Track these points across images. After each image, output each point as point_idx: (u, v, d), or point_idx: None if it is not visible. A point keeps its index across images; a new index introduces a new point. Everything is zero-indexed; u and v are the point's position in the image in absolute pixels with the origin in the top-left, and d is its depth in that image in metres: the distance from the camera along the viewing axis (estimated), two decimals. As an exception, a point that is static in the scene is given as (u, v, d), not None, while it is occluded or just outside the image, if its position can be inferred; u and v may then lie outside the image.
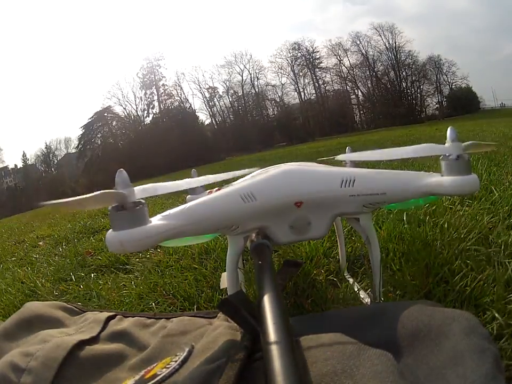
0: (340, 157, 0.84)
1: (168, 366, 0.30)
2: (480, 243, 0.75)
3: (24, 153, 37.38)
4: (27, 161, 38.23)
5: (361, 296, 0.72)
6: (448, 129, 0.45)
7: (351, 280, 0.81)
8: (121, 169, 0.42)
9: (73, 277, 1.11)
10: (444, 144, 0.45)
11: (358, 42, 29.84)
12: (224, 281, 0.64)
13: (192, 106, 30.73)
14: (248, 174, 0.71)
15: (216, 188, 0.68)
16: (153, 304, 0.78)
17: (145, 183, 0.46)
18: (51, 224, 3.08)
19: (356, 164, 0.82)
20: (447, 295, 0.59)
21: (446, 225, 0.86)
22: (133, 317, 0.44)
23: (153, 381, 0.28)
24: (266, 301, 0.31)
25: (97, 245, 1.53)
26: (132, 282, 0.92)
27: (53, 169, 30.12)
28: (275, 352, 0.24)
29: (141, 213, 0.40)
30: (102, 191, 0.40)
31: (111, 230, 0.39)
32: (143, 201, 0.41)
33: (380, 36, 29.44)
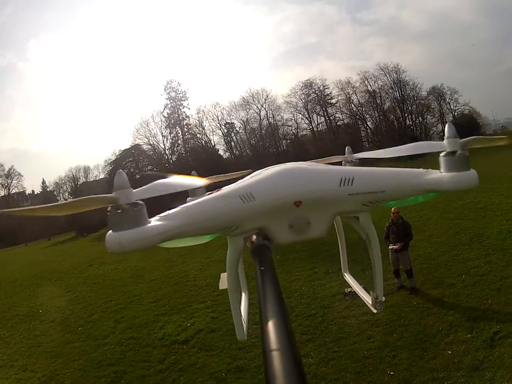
0: (343, 156, 0.84)
1: None
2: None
3: (43, 180, 38.41)
4: (46, 188, 39.13)
5: (363, 295, 0.71)
6: (446, 125, 0.45)
7: (351, 280, 0.81)
8: (120, 170, 0.42)
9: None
10: (443, 140, 0.45)
11: (366, 82, 33.27)
12: (224, 281, 0.64)
13: (212, 142, 33.11)
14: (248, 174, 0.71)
15: (216, 189, 0.68)
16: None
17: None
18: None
19: (355, 163, 0.82)
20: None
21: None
22: None
23: None
24: (268, 304, 0.30)
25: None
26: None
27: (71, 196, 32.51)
28: (276, 356, 0.23)
29: (140, 214, 0.40)
30: (95, 195, 0.40)
31: (110, 231, 0.39)
32: (141, 202, 0.41)
33: (386, 75, 32.60)
